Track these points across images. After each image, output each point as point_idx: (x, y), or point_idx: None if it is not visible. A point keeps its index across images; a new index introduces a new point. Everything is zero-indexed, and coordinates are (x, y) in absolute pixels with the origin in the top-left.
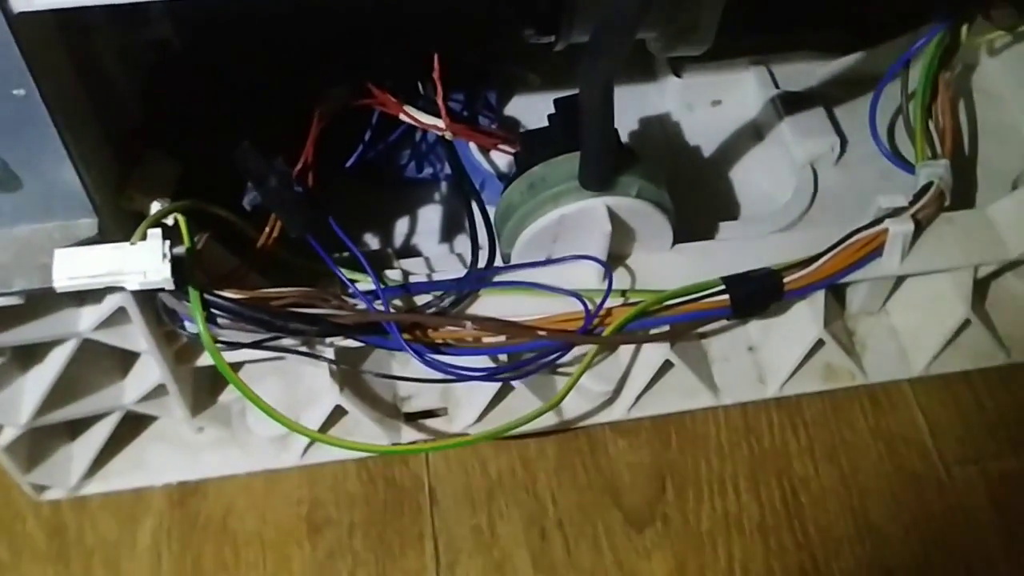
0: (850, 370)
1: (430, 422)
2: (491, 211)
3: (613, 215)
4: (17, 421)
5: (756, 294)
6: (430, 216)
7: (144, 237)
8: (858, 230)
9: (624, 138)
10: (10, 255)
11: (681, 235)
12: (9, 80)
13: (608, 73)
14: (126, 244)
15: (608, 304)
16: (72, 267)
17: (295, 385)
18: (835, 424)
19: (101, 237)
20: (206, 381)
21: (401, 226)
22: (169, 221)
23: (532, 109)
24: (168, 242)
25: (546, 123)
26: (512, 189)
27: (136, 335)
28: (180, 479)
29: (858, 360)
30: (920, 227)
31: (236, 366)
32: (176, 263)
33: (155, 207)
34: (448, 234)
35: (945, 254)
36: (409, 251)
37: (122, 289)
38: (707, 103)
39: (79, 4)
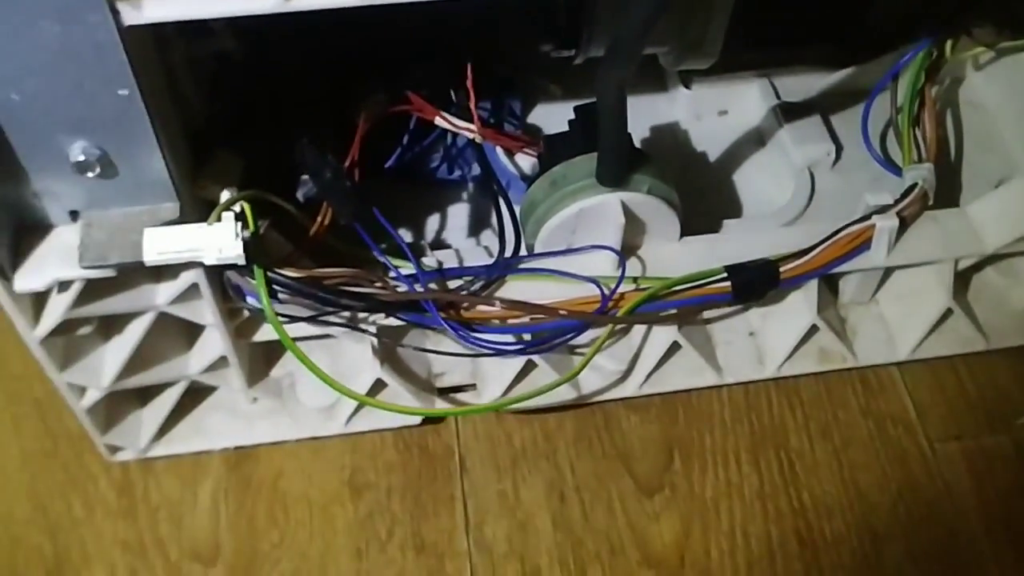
0: (842, 354)
1: (461, 395)
2: (516, 208)
3: (627, 209)
4: (99, 384)
5: (755, 281)
6: (459, 213)
7: (219, 219)
8: (848, 225)
9: (638, 144)
10: (105, 234)
11: (689, 231)
12: (116, 82)
13: (621, 80)
14: (204, 225)
15: (621, 289)
16: (160, 244)
17: (339, 361)
18: (829, 403)
19: (180, 220)
20: (261, 356)
21: (433, 222)
22: (236, 208)
23: (553, 117)
24: (239, 223)
25: (567, 128)
26: (536, 186)
27: (204, 310)
28: (236, 444)
29: (849, 345)
30: (905, 223)
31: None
32: (244, 243)
33: (224, 195)
34: (476, 230)
35: (928, 248)
36: (440, 245)
37: (198, 265)
38: (714, 113)
39: (180, 17)
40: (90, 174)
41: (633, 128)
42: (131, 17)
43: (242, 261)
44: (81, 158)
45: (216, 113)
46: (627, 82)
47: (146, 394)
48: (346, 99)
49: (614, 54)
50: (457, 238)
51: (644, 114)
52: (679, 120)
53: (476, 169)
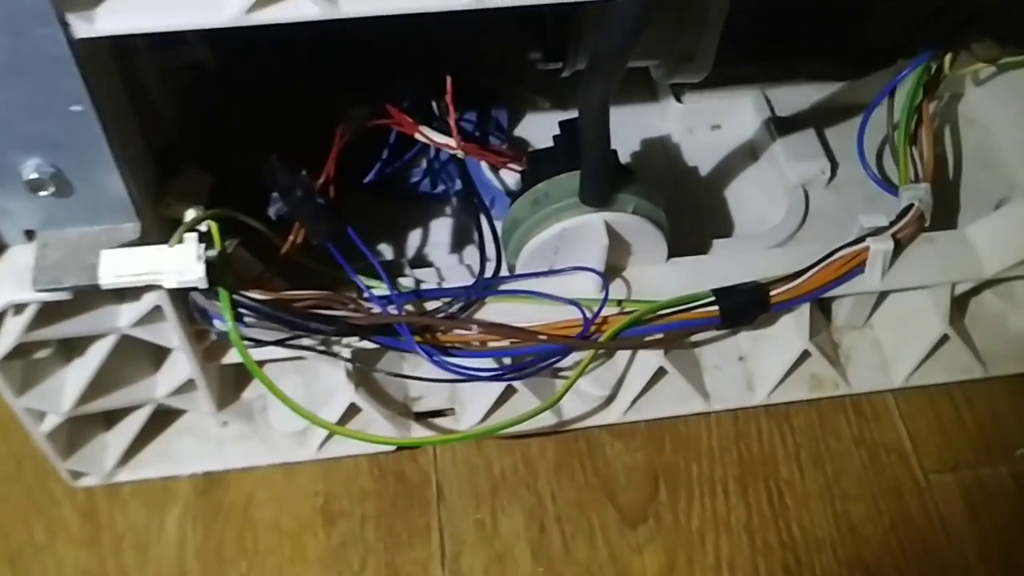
0: (835, 380)
1: (438, 421)
2: (499, 226)
3: (611, 230)
4: (59, 409)
5: (744, 306)
6: (441, 229)
7: (181, 241)
8: (841, 247)
9: (627, 159)
10: (61, 255)
11: (680, 250)
12: (69, 97)
13: (603, 97)
14: (165, 246)
15: (605, 312)
16: (116, 266)
17: (312, 384)
18: (820, 431)
19: (142, 240)
20: (231, 378)
21: (413, 238)
22: (203, 228)
23: (541, 130)
24: (203, 245)
25: (551, 144)
26: (518, 204)
27: (169, 332)
28: (205, 470)
29: (842, 371)
30: (900, 246)
31: (259, 364)
32: (208, 265)
33: (190, 214)
34: (457, 246)
35: (924, 272)
36: (421, 261)
37: (160, 287)
38: (707, 127)
39: (134, 30)
40: (43, 192)
41: (623, 142)
42: (82, 30)
43: (204, 285)
44: (34, 176)
45: (188, 126)
46: (610, 99)
47: (111, 417)
48: (324, 111)
49: (595, 71)
50: (438, 255)
51: (634, 127)
52: (670, 134)
53: (459, 184)
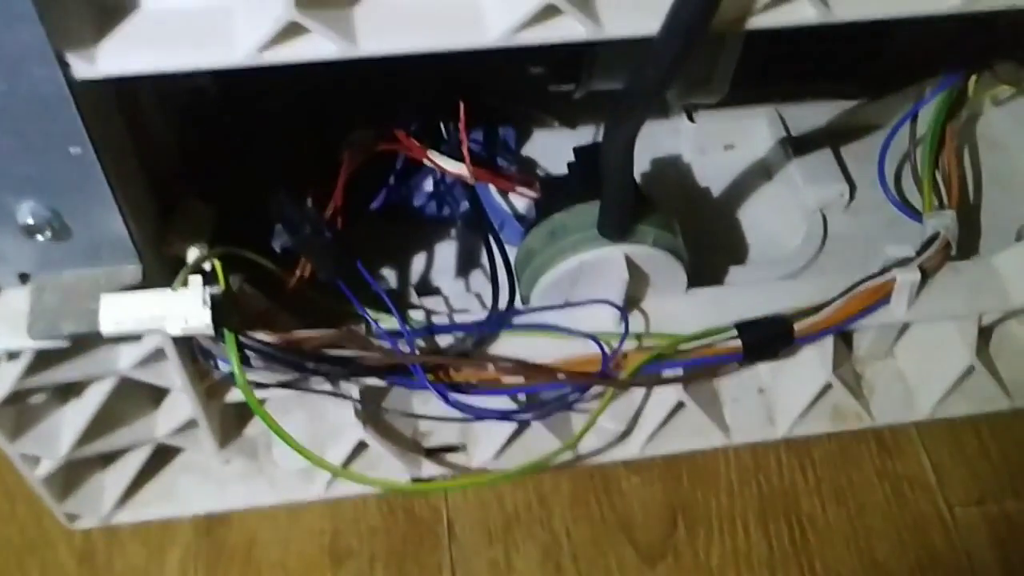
0: (857, 412)
1: (449, 457)
2: (510, 251)
3: (630, 262)
4: (56, 454)
5: (767, 340)
6: (447, 254)
7: (185, 283)
8: (867, 278)
9: (638, 179)
10: (58, 299)
11: (694, 272)
12: (68, 140)
13: (630, 136)
14: (168, 290)
15: (623, 348)
16: (118, 312)
17: (320, 419)
18: (842, 465)
19: (145, 282)
20: (234, 415)
21: (419, 263)
22: (206, 266)
23: (550, 149)
24: (208, 289)
25: (564, 166)
26: (533, 235)
27: (171, 373)
28: (207, 510)
29: (865, 403)
30: (926, 276)
31: (263, 398)
32: (213, 306)
33: (193, 252)
34: (465, 271)
35: (950, 303)
36: (428, 287)
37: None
38: (720, 147)
39: (139, 72)
40: (40, 237)
41: (634, 164)
42: (83, 71)
43: (210, 332)
44: (30, 221)
45: (188, 154)
46: (635, 135)
47: (109, 456)
48: (329, 134)
49: (625, 108)
50: (446, 280)
51: (645, 147)
52: (682, 154)
53: (466, 205)
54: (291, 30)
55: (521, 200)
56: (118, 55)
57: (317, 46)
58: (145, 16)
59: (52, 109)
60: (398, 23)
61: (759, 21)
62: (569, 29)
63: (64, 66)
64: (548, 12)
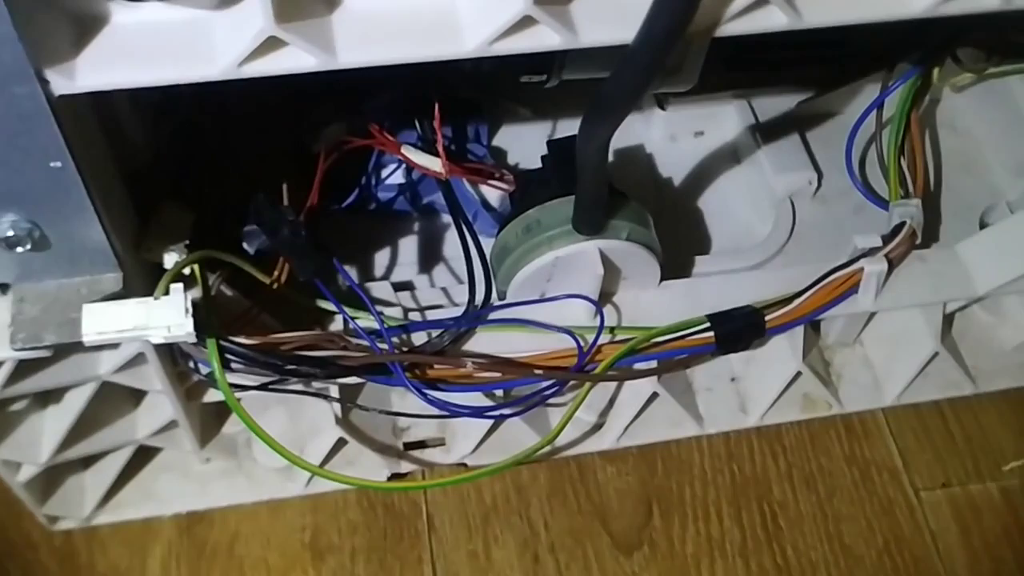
0: (827, 400)
1: (428, 452)
2: (484, 243)
3: (605, 257)
4: (36, 460)
5: (740, 331)
6: (420, 246)
7: (166, 292)
8: (835, 269)
9: (609, 167)
10: (39, 309)
11: (665, 260)
12: (47, 154)
13: (607, 136)
14: (150, 299)
15: (599, 341)
16: (100, 322)
17: (298, 417)
18: (812, 451)
19: (125, 290)
20: (213, 413)
21: (392, 256)
22: (185, 271)
23: (521, 139)
24: (189, 296)
25: (536, 155)
26: (508, 231)
27: (151, 376)
28: (188, 509)
29: (834, 390)
30: (893, 265)
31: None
32: (194, 311)
33: (172, 257)
34: (441, 264)
35: (916, 291)
36: (402, 281)
37: None
38: (690, 134)
39: (117, 86)
40: (20, 249)
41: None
42: (62, 86)
43: (193, 339)
44: (10, 234)
45: (161, 153)
46: (611, 135)
47: (89, 458)
48: (303, 129)
49: (601, 111)
50: (420, 273)
51: (616, 135)
52: (653, 141)
53: (437, 198)
54: (270, 43)
55: (493, 192)
56: (97, 70)
57: (296, 59)
58: (123, 31)
59: (32, 125)
60: (376, 34)
61: (732, 28)
62: (545, 38)
63: (43, 83)
64: (524, 22)
